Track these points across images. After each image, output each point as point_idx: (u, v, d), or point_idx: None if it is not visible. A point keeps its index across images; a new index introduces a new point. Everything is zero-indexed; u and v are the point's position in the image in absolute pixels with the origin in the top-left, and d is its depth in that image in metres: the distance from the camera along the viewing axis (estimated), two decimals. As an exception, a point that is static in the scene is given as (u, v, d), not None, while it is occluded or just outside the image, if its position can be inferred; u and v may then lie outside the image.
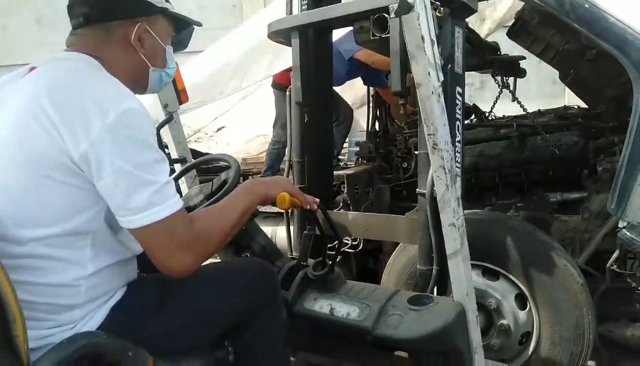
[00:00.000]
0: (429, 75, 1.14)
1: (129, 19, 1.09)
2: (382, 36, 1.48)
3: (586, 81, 2.97)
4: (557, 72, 3.18)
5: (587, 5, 1.79)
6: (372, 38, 1.53)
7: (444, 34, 1.31)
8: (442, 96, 1.17)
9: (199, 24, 1.32)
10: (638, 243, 1.77)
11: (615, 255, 2.05)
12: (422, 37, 1.11)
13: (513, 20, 3.02)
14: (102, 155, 0.91)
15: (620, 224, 1.81)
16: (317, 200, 1.25)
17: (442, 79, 1.17)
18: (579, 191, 2.55)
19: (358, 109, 4.33)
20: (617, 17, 1.75)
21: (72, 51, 1.07)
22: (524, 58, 2.89)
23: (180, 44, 1.54)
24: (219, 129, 4.73)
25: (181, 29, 1.27)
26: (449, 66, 1.28)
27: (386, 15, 1.39)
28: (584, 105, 3.11)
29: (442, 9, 1.23)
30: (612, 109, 2.67)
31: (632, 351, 2.58)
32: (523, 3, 2.91)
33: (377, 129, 3.35)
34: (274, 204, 1.18)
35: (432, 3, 1.15)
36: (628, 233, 1.79)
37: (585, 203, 2.43)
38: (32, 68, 1.04)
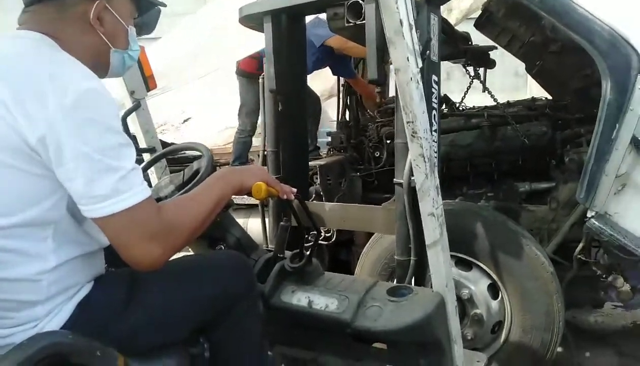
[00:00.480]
0: (408, 60, 1.11)
1: None
2: (357, 23, 1.45)
3: (551, 72, 3.04)
4: (519, 65, 3.24)
5: (558, -3, 1.81)
6: (346, 25, 1.49)
7: (420, 21, 1.28)
8: (420, 83, 1.15)
9: (164, 5, 1.25)
10: (606, 231, 1.82)
11: (581, 244, 2.11)
12: (401, 21, 1.08)
13: (480, 12, 3.05)
14: (61, 138, 0.84)
15: (589, 214, 1.85)
16: (295, 190, 1.21)
17: (420, 65, 1.15)
18: (547, 181, 2.61)
19: (327, 100, 4.30)
20: (586, 9, 1.78)
21: (25, 30, 0.99)
22: (496, 48, 2.92)
23: (146, 27, 1.46)
24: (185, 121, 4.61)
25: (144, 11, 1.20)
26: (427, 52, 1.25)
27: (361, 1, 1.37)
28: (548, 97, 3.18)
29: (420, -7, 1.21)
30: (577, 101, 2.74)
31: (595, 337, 2.69)
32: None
33: (348, 119, 3.33)
34: (249, 194, 1.14)
35: (410, -13, 1.12)
36: (596, 223, 1.83)
37: (552, 193, 2.49)
38: None
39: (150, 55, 1.71)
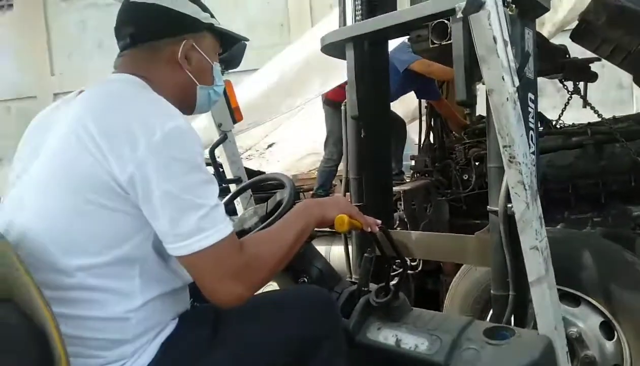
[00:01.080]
0: (503, 80, 1.02)
1: (175, 36, 1.06)
2: (443, 43, 1.38)
3: (665, 82, 2.72)
4: (623, 76, 2.95)
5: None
6: (431, 46, 1.43)
7: (514, 36, 1.18)
8: (518, 103, 1.05)
9: (246, 40, 1.29)
10: None
11: None
12: (495, 38, 1.00)
13: (576, 23, 2.82)
14: (149, 176, 0.87)
15: None
16: (379, 221, 1.16)
17: (517, 84, 1.05)
18: None
19: (410, 124, 4.20)
20: None
21: (120, 73, 1.05)
22: (599, 60, 2.67)
23: (232, 62, 1.51)
24: (269, 146, 4.74)
25: (228, 46, 1.24)
26: (524, 70, 1.15)
27: (446, 21, 1.30)
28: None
29: (513, 6, 1.11)
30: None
31: None
32: (586, 3, 2.72)
33: (432, 141, 3.21)
34: (331, 227, 1.10)
35: (503, 0, 1.04)
36: None
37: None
38: (81, 91, 1.03)
39: (241, 90, 1.78)
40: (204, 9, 1.12)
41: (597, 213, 2.50)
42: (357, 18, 1.55)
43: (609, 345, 1.82)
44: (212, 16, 1.14)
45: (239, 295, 0.91)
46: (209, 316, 1.02)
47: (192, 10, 1.09)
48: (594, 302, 1.83)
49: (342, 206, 1.10)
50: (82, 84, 1.10)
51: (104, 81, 1.04)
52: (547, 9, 1.30)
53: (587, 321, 1.85)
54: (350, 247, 1.78)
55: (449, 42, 1.27)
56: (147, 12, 1.06)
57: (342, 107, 1.67)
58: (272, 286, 1.52)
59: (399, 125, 3.47)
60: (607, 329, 1.83)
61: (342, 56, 1.52)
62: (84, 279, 0.90)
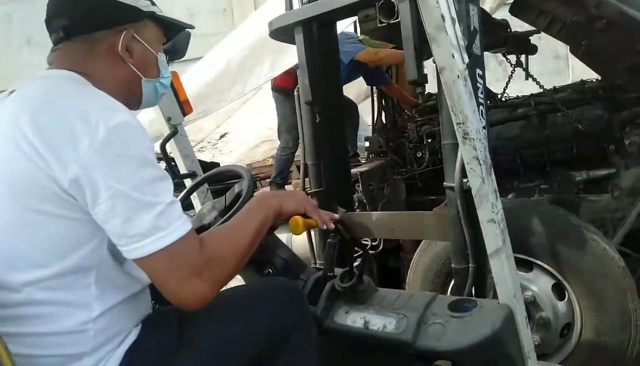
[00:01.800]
0: (453, 57, 1.03)
1: (113, 27, 0.99)
2: (391, 22, 1.38)
3: (599, 52, 2.83)
4: (559, 47, 3.07)
5: (606, -30, 1.68)
6: (379, 25, 1.43)
7: (460, 13, 1.20)
8: (469, 80, 1.06)
9: (191, 27, 1.22)
10: (681, 218, 1.66)
11: (653, 233, 1.95)
12: (442, 16, 1.00)
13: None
14: (95, 178, 0.81)
15: (661, 201, 1.70)
16: (335, 216, 1.16)
17: (467, 60, 1.06)
18: (606, 167, 2.43)
19: (362, 102, 4.23)
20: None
21: (54, 69, 0.98)
22: (538, 32, 2.77)
23: (177, 52, 1.44)
24: (222, 137, 4.64)
25: (172, 35, 1.17)
26: (472, 46, 1.17)
27: (393, 0, 1.30)
28: (597, 78, 2.99)
29: (458, -16, 1.12)
30: (632, 79, 2.55)
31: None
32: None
33: (385, 121, 3.24)
34: (287, 221, 1.09)
35: (448, -22, 1.04)
36: (670, 209, 1.68)
37: (614, 180, 2.32)
38: (12, 92, 0.94)
39: (186, 80, 1.71)
40: None
41: (544, 181, 2.62)
42: (304, 1, 1.52)
43: (561, 305, 1.92)
44: (153, 4, 1.07)
45: (203, 295, 0.87)
46: (172, 319, 0.98)
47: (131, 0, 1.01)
48: (545, 266, 1.93)
49: (299, 201, 1.09)
50: (11, 83, 1.01)
51: (37, 78, 0.96)
52: (489, -15, 1.33)
53: (540, 285, 1.94)
54: (312, 233, 1.78)
55: (397, 20, 1.27)
56: (81, 3, 0.98)
57: (295, 93, 1.64)
58: (237, 279, 1.49)
59: (351, 109, 3.48)
60: (559, 290, 1.93)
61: (291, 41, 1.50)
62: (33, 294, 0.84)
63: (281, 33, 1.51)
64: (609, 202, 2.29)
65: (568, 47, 2.99)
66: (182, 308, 0.89)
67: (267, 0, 3.20)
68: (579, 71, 3.30)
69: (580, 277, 1.86)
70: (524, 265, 1.96)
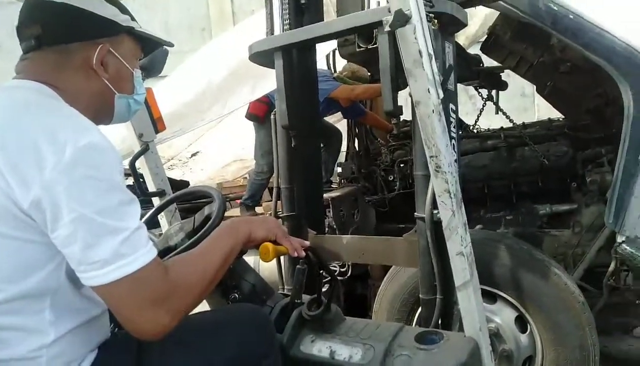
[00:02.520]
0: (429, 92, 1.05)
1: (89, 40, 0.96)
2: (369, 47, 1.41)
3: (563, 93, 2.98)
4: (526, 86, 3.21)
5: (572, 17, 1.77)
6: (357, 50, 1.45)
7: (436, 49, 1.24)
8: (442, 115, 1.09)
9: (170, 45, 1.19)
10: (639, 256, 1.73)
11: (611, 269, 2.01)
12: (420, 52, 1.03)
13: (486, 36, 3.03)
14: (58, 200, 0.77)
15: (619, 239, 1.77)
16: (306, 243, 1.15)
17: (442, 95, 1.09)
18: (568, 203, 2.52)
19: (337, 124, 4.28)
20: (604, 28, 1.73)
21: (22, 79, 0.93)
22: (505, 69, 2.89)
23: (154, 69, 1.43)
24: (193, 155, 4.58)
25: (149, 51, 1.14)
26: (448, 83, 1.20)
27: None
28: (559, 117, 3.12)
29: (435, 21, 1.16)
30: (592, 121, 2.67)
31: (631, 364, 2.54)
32: (495, 18, 2.93)
33: (358, 148, 3.28)
34: (257, 247, 1.07)
35: (426, 15, 1.08)
36: (628, 247, 1.75)
37: (575, 217, 2.40)
38: None
39: (161, 97, 1.67)
40: (123, 10, 1.03)
41: (509, 212, 2.69)
42: (285, 27, 1.54)
43: (523, 338, 1.95)
44: (133, 19, 1.05)
45: (163, 325, 0.83)
46: (131, 345, 0.93)
47: (110, 13, 0.99)
48: (508, 298, 1.96)
49: (269, 227, 1.07)
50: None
51: (4, 89, 0.92)
52: (465, 24, 1.38)
53: (504, 317, 1.96)
54: (282, 258, 1.75)
55: (375, 45, 1.29)
56: (56, 12, 0.94)
57: (272, 117, 1.64)
58: (202, 304, 1.45)
59: (334, 135, 3.53)
60: (521, 323, 1.96)
61: (271, 65, 1.50)
62: None
63: (261, 57, 1.51)
64: (570, 237, 2.36)
65: (535, 86, 3.13)
66: (140, 338, 0.85)
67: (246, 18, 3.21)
68: (545, 110, 3.45)
69: (542, 310, 1.89)
70: (488, 297, 1.99)
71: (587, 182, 2.37)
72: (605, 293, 2.07)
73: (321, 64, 3.11)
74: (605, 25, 1.77)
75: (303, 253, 1.12)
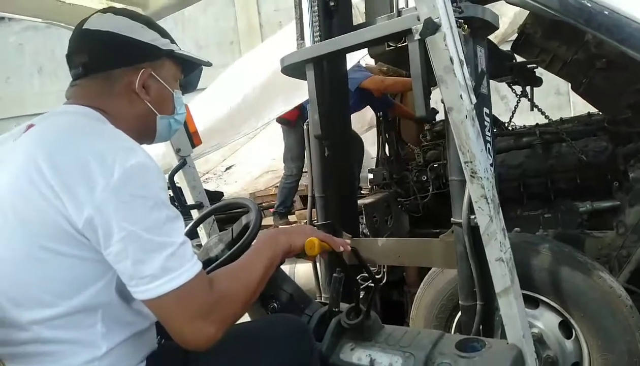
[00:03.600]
0: (461, 98, 1.05)
1: (132, 65, 1.00)
2: (398, 46, 1.41)
3: (600, 89, 2.88)
4: (560, 83, 3.11)
5: (606, 12, 1.72)
6: (387, 49, 1.46)
7: (467, 55, 1.23)
8: (476, 120, 1.08)
9: (209, 64, 1.22)
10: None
11: (659, 271, 1.93)
12: (451, 59, 1.03)
13: (516, 35, 2.98)
14: (109, 219, 0.80)
15: (666, 239, 1.69)
16: (349, 241, 1.15)
17: (474, 101, 1.08)
18: (610, 200, 2.43)
19: (366, 132, 4.28)
20: (638, 20, 1.67)
21: (72, 104, 0.99)
22: (537, 66, 2.83)
23: (189, 86, 1.47)
24: (227, 169, 4.68)
25: (189, 71, 1.18)
26: (480, 88, 1.19)
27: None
28: (594, 112, 3.02)
29: (465, 26, 1.16)
30: (634, 116, 2.58)
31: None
32: (524, 17, 2.88)
33: (388, 154, 3.27)
34: (299, 255, 1.08)
35: (456, 21, 1.07)
36: (675, 248, 1.67)
37: (619, 217, 2.31)
38: (30, 126, 0.95)
39: (196, 113, 1.73)
40: (164, 34, 1.06)
41: (547, 210, 2.61)
42: (315, 32, 1.56)
43: (568, 344, 1.89)
44: (173, 41, 1.09)
45: (209, 337, 0.86)
46: (177, 356, 0.96)
47: (151, 38, 1.03)
48: (551, 303, 1.90)
49: (308, 233, 1.08)
50: (22, 109, 1.02)
51: (55, 114, 0.97)
52: (496, 28, 1.37)
53: (546, 322, 1.91)
54: (318, 266, 1.77)
55: (405, 44, 1.30)
56: (102, 41, 0.99)
57: (305, 127, 1.67)
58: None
59: (357, 145, 3.53)
60: (566, 328, 1.90)
61: (302, 76, 1.53)
62: (40, 332, 0.84)
63: (293, 69, 1.54)
64: (614, 238, 2.27)
65: (569, 83, 3.05)
66: (188, 348, 0.88)
67: (276, 33, 3.26)
68: (580, 107, 3.34)
69: (587, 315, 1.83)
70: (530, 302, 1.94)
71: (630, 178, 2.28)
72: (654, 296, 1.98)
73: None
74: (641, 18, 1.71)
75: (349, 248, 1.12)
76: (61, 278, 0.84)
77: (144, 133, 1.05)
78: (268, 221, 3.76)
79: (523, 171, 2.64)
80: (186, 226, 1.48)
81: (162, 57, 1.05)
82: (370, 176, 3.20)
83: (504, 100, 5.68)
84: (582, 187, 2.55)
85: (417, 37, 1.03)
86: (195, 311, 0.85)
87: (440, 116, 1.82)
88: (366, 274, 1.28)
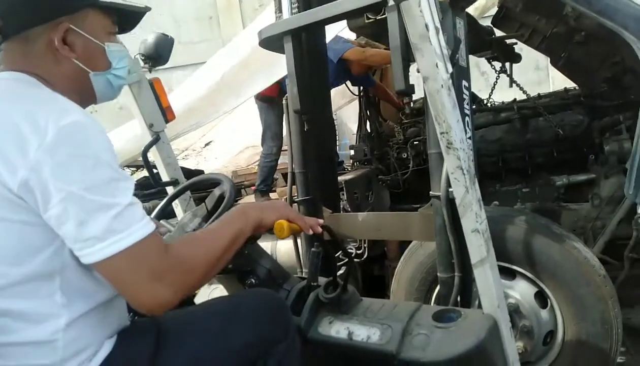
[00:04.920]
0: (437, 67, 1.03)
1: (47, 22, 0.92)
2: (378, 18, 1.37)
3: (578, 63, 2.91)
4: (539, 59, 3.12)
5: (585, -17, 1.71)
6: (366, 22, 1.43)
7: (446, 24, 1.21)
8: (452, 89, 1.07)
9: (146, 9, 1.11)
10: (660, 227, 1.69)
11: (632, 241, 1.98)
12: (427, 25, 1.01)
13: (496, 9, 2.96)
14: (45, 181, 0.77)
15: (640, 210, 1.73)
16: (320, 221, 1.14)
17: (450, 70, 1.07)
18: (586, 173, 2.47)
19: (344, 108, 4.26)
20: (619, -7, 1.67)
21: (3, 71, 0.93)
22: (516, 42, 2.83)
23: (160, 58, 1.43)
24: (206, 145, 4.62)
25: (127, 23, 1.08)
26: (456, 56, 1.17)
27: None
28: (571, 87, 3.05)
29: (443, -6, 1.13)
30: (609, 90, 2.60)
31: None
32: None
33: (369, 130, 3.26)
34: (270, 231, 1.07)
35: (433, -12, 1.05)
36: (649, 219, 1.71)
37: (594, 190, 2.35)
38: None
39: (179, 95, 1.68)
40: None
41: (525, 185, 2.65)
42: (294, 10, 1.52)
43: (544, 313, 1.93)
44: None
45: (167, 299, 0.83)
46: (150, 331, 0.94)
47: None
48: (527, 274, 1.94)
49: (281, 210, 1.07)
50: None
51: None
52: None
53: (523, 293, 1.95)
54: (299, 241, 1.76)
55: (384, 16, 1.26)
56: (12, 1, 0.93)
57: (283, 102, 1.64)
58: (219, 289, 1.46)
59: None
60: (541, 298, 1.94)
61: (280, 50, 1.49)
62: None
63: (270, 42, 1.50)
64: (589, 211, 2.32)
65: (548, 58, 3.05)
66: (145, 313, 0.86)
67: (254, 11, 3.20)
68: (560, 82, 3.36)
69: (562, 285, 1.87)
70: (506, 273, 1.97)
71: (605, 151, 2.32)
72: (627, 266, 2.04)
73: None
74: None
75: (319, 229, 1.11)
76: (10, 245, 0.81)
77: (83, 94, 0.99)
78: (250, 199, 3.73)
79: (502, 146, 2.67)
80: (161, 203, 1.45)
81: (83, 8, 0.96)
82: (351, 152, 3.19)
83: (484, 76, 5.69)
84: (559, 161, 2.59)
85: (391, 2, 1.00)
86: (149, 272, 0.82)
87: (420, 94, 1.81)
88: (349, 249, 1.28)
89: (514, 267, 1.95)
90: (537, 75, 7.72)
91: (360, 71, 3.13)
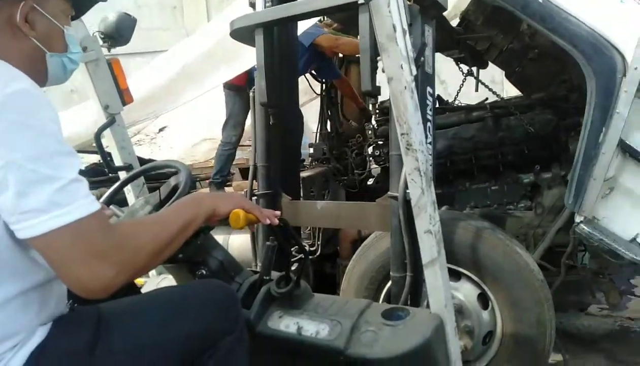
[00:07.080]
0: (402, 68, 1.05)
1: None
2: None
3: (530, 79, 3.04)
4: (495, 73, 3.25)
5: (540, 1, 1.79)
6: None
7: (414, 31, 1.23)
8: (415, 92, 1.09)
9: None
10: (595, 236, 1.80)
11: (569, 249, 2.09)
12: (394, 26, 1.02)
13: (458, 20, 3.05)
14: None
15: (577, 219, 1.83)
16: (277, 213, 1.13)
17: (414, 72, 1.09)
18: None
19: (305, 106, 4.25)
20: (572, 13, 1.75)
21: None
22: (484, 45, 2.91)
23: (121, 38, 1.38)
24: (160, 130, 4.46)
25: (81, 8, 1.11)
26: (421, 59, 1.20)
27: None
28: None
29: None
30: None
31: (584, 341, 2.67)
32: (468, 1, 2.95)
33: (330, 129, 3.28)
34: (225, 221, 1.06)
35: (402, -9, 1.07)
36: (585, 228, 1.81)
37: (537, 199, 2.47)
38: None
39: (138, 82, 1.62)
40: None
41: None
42: (267, 4, 1.50)
43: (485, 314, 2.01)
44: None
45: (110, 279, 0.78)
46: (90, 319, 0.90)
47: None
48: (471, 276, 2.01)
49: (236, 200, 1.05)
50: None
51: None
52: (445, 8, 1.38)
53: (466, 294, 2.02)
54: (256, 236, 1.75)
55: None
56: None
57: (250, 94, 1.61)
58: (168, 279, 1.43)
59: (297, 118, 3.48)
60: (484, 300, 2.03)
61: (251, 42, 1.47)
62: None
63: (242, 34, 1.48)
64: (532, 218, 2.44)
65: (504, 72, 3.18)
66: (85, 297, 0.80)
67: (222, 3, 3.15)
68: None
69: (503, 288, 1.96)
70: (452, 275, 2.04)
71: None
72: (563, 272, 2.15)
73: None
74: (574, 10, 1.79)
75: (276, 221, 1.11)
76: None
77: (35, 73, 0.95)
78: (205, 191, 3.66)
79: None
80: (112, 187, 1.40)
81: None
82: (310, 150, 3.19)
83: (443, 85, 5.83)
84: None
85: (361, 0, 1.01)
86: (91, 250, 0.78)
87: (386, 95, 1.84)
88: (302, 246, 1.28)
89: (460, 269, 2.02)
90: (493, 88, 8.01)
91: (332, 55, 3.12)
